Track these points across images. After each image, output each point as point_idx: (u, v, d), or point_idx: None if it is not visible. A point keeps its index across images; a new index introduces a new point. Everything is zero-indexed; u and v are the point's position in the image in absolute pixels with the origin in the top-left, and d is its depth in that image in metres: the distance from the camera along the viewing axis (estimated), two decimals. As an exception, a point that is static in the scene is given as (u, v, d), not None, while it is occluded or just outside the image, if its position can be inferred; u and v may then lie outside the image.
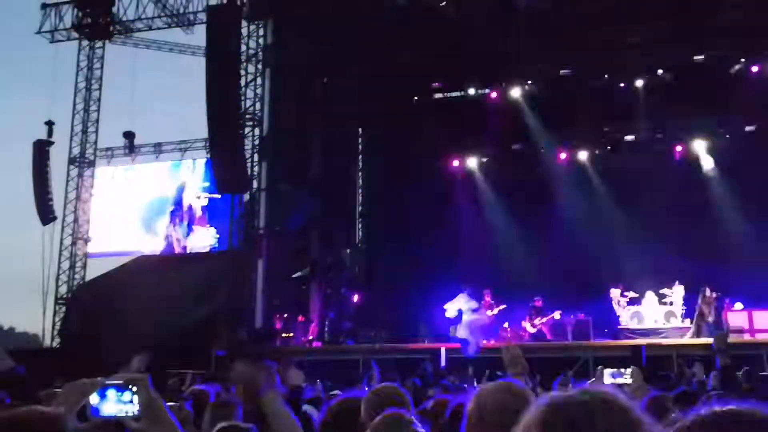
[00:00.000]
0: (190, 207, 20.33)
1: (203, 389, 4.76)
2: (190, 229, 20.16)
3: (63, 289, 20.21)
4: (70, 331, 19.07)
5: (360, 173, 22.40)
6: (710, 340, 12.85)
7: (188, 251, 20.02)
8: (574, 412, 1.31)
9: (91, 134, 21.15)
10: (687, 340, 14.56)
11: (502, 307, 15.92)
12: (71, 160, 20.99)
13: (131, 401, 2.31)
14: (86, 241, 20.66)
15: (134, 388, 2.31)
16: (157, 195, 20.68)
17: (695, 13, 16.40)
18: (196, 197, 20.35)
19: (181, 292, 17.73)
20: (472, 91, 20.48)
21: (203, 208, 20.14)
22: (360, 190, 22.37)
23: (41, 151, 20.04)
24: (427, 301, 16.69)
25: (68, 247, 20.51)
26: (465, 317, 15.25)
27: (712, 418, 1.27)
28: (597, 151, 19.75)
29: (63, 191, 20.77)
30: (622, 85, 19.06)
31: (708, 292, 14.81)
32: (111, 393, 2.31)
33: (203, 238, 20.00)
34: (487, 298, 16.05)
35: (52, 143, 20.38)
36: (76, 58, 21.16)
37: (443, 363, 14.45)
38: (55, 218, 20.17)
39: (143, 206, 20.68)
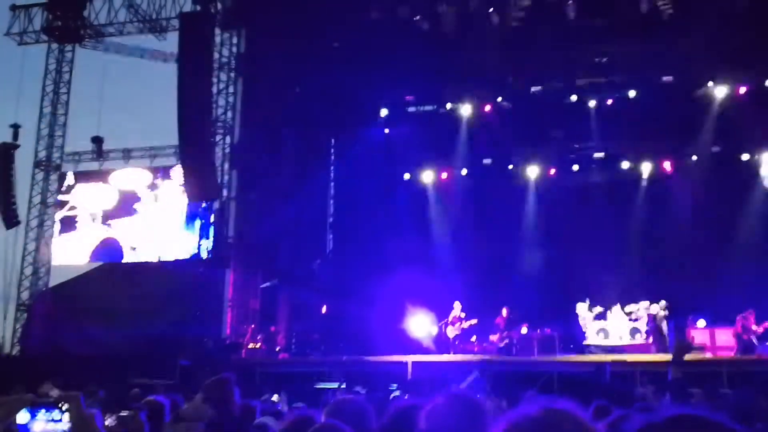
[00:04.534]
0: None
1: (158, 400, 4.66)
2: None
3: (25, 296, 19.77)
4: (30, 338, 18.67)
5: (331, 183, 22.36)
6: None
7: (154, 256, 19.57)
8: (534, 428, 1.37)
9: (58, 138, 20.77)
10: (650, 357, 14.70)
11: (472, 321, 15.94)
12: (37, 164, 20.57)
13: (60, 420, 2.28)
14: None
15: (64, 407, 2.28)
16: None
17: (664, 34, 16.72)
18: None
19: (147, 301, 17.46)
20: (444, 106, 20.59)
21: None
22: (331, 201, 22.32)
23: (6, 154, 19.61)
24: (397, 313, 16.67)
25: (32, 253, 20.09)
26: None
27: (664, 423, 1.29)
28: (566, 168, 19.99)
29: (28, 196, 20.39)
30: (592, 103, 19.34)
31: (661, 306, 15.08)
32: (41, 412, 2.28)
33: (184, 245, 19.31)
34: (457, 310, 16.10)
35: (18, 146, 19.94)
36: (45, 60, 20.83)
37: (410, 376, 14.38)
38: (18, 223, 19.73)
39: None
